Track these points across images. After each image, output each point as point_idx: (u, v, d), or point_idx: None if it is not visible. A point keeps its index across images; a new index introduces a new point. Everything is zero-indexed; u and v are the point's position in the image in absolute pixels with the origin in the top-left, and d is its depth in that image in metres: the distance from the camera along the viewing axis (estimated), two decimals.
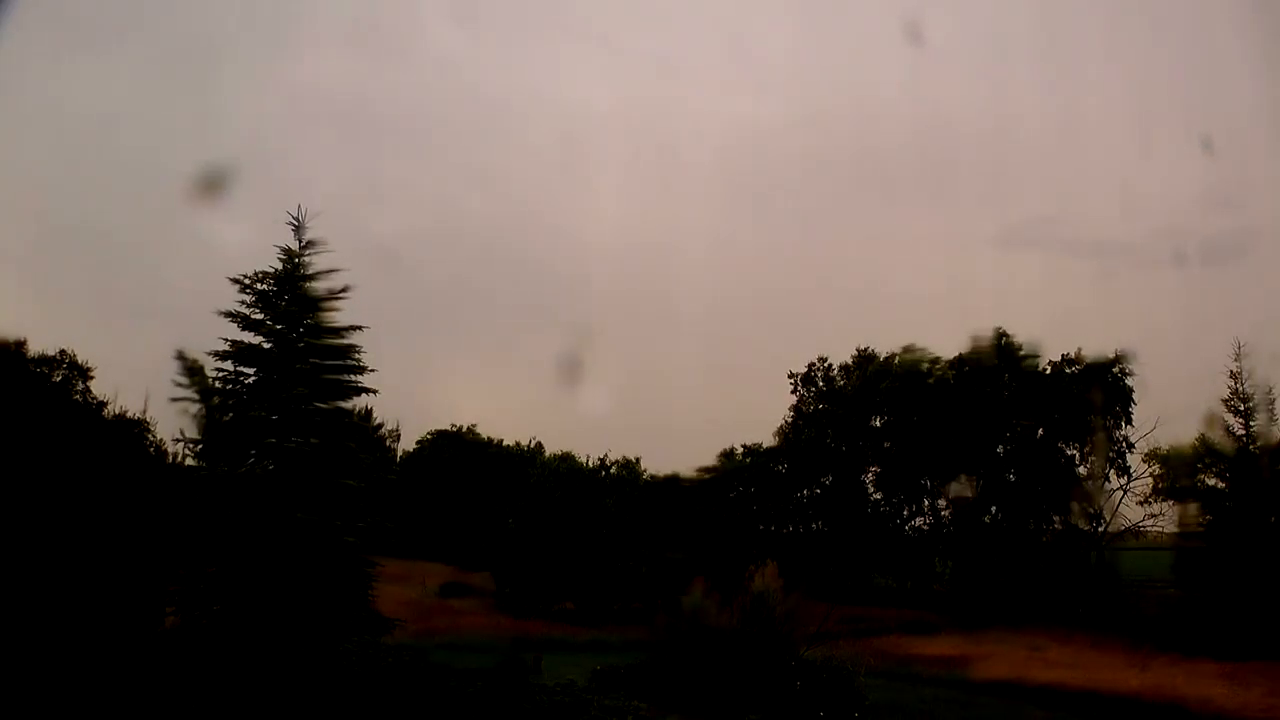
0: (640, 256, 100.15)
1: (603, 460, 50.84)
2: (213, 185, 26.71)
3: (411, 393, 77.18)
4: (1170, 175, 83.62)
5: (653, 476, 51.42)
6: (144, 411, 26.43)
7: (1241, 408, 40.96)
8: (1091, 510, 52.98)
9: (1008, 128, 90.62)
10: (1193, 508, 43.96)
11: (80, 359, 27.93)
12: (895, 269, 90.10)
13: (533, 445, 76.30)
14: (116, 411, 25.79)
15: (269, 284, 27.65)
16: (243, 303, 27.45)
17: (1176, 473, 46.56)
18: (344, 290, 27.92)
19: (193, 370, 26.98)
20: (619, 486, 48.98)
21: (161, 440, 26.47)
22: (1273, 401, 40.88)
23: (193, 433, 27.50)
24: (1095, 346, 53.33)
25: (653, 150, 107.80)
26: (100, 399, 26.03)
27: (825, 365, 62.22)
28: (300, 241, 27.82)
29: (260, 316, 27.49)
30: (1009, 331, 54.92)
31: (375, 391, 28.62)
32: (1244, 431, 40.92)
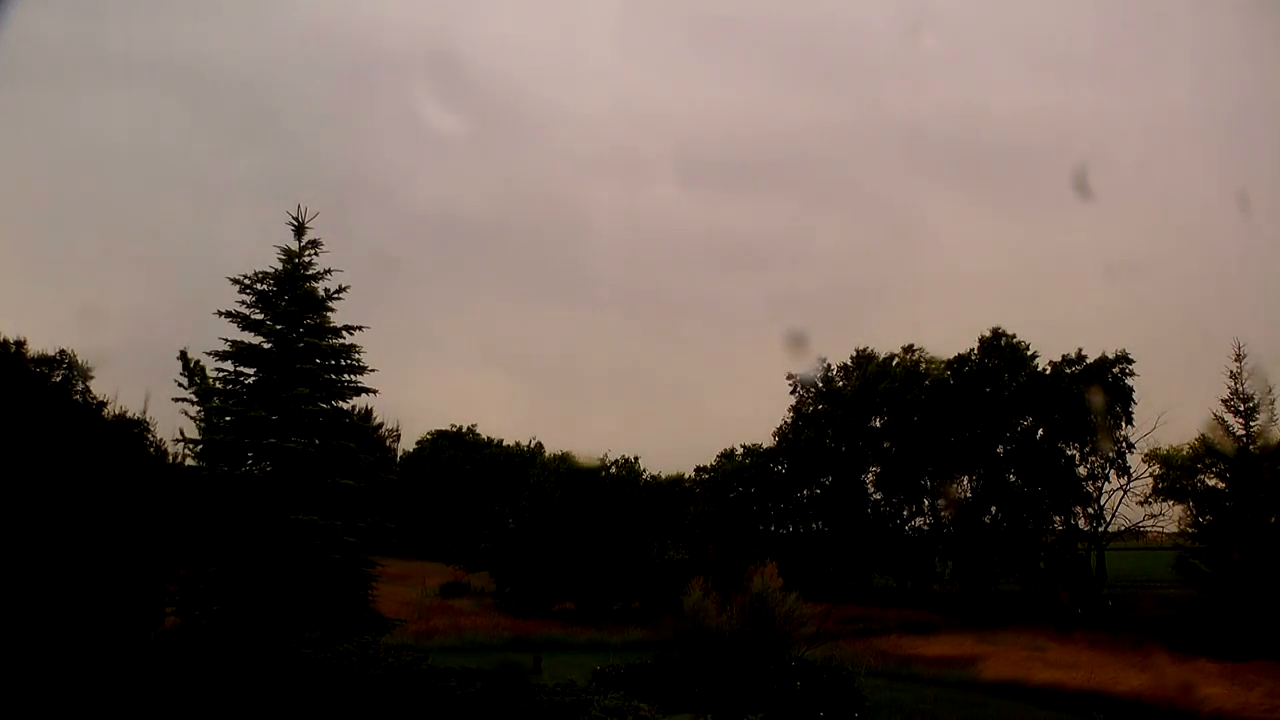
0: (641, 256, 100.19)
1: (603, 460, 50.83)
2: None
3: (411, 393, 77.34)
4: (1172, 175, 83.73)
5: (653, 476, 51.31)
6: (144, 411, 26.40)
7: (1241, 408, 40.88)
8: (1091, 510, 52.98)
9: (1010, 128, 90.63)
10: (1193, 508, 43.91)
11: (80, 359, 27.84)
12: (897, 269, 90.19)
13: (533, 445, 76.56)
14: (116, 412, 25.70)
15: (269, 284, 27.71)
16: (243, 303, 27.52)
17: (1176, 473, 46.51)
18: (343, 290, 28.04)
19: (194, 371, 26.99)
20: (619, 486, 48.87)
21: (161, 440, 26.41)
22: (1273, 401, 40.80)
23: (193, 433, 27.56)
24: (1095, 346, 53.46)
25: (653, 150, 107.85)
26: (100, 399, 25.96)
27: (825, 365, 62.21)
28: (300, 242, 27.92)
29: (260, 316, 27.53)
30: (1009, 331, 55.08)
31: (375, 391, 28.67)
32: (1244, 431, 40.85)
